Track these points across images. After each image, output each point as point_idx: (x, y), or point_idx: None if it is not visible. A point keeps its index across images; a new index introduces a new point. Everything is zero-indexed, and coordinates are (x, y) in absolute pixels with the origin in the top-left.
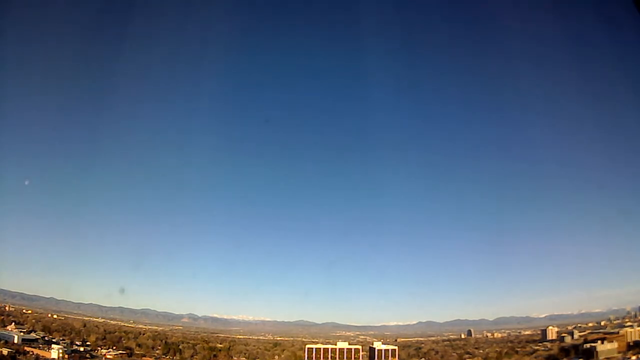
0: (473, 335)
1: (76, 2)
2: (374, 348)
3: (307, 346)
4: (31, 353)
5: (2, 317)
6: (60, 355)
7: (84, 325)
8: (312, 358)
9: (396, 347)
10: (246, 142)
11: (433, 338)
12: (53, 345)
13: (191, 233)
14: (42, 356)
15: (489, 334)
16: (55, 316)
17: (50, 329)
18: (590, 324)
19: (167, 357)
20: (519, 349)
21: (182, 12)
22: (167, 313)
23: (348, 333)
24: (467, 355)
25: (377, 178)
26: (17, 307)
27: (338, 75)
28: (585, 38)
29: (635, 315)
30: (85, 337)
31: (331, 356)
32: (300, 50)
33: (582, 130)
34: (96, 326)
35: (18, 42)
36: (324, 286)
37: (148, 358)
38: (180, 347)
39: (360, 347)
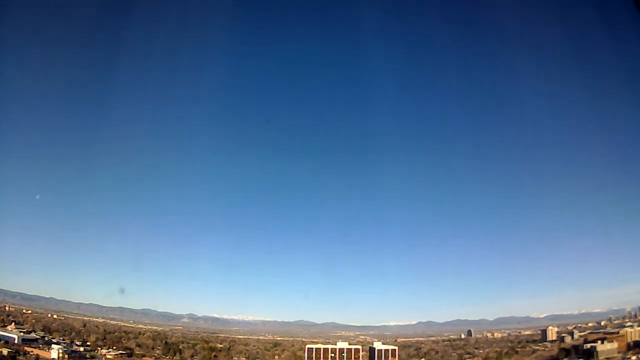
0: (473, 335)
1: (76, 4)
2: (374, 348)
3: (307, 346)
4: (31, 353)
5: (2, 317)
6: (60, 355)
7: (84, 325)
8: (312, 358)
9: (396, 347)
10: (246, 142)
11: (433, 338)
12: (53, 345)
13: (191, 233)
14: (42, 356)
15: (489, 334)
16: (55, 316)
17: (50, 329)
18: (590, 324)
19: (167, 357)
20: (519, 349)
21: (181, 13)
22: (167, 313)
23: (348, 333)
24: (467, 355)
25: (377, 178)
26: (17, 307)
27: (339, 76)
28: (585, 38)
29: (635, 315)
30: (85, 337)
31: (331, 356)
32: (301, 51)
33: (582, 130)
34: (96, 326)
35: (17, 44)
36: (324, 286)
37: (148, 358)
38: (180, 347)
39: (360, 347)
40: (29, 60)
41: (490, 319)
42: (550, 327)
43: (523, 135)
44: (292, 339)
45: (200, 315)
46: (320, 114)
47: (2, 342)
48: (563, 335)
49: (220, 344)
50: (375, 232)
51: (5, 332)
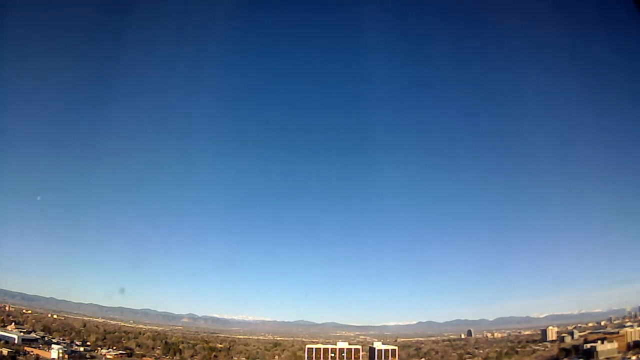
0: (473, 335)
1: (76, 4)
2: (374, 348)
3: (307, 346)
4: (31, 353)
5: (2, 317)
6: (60, 355)
7: (84, 325)
8: (312, 358)
9: (396, 347)
10: (247, 143)
11: (433, 338)
12: (53, 345)
13: (191, 233)
14: (42, 356)
15: (489, 334)
16: (55, 316)
17: (50, 329)
18: (590, 324)
19: (167, 357)
20: (519, 349)
21: (182, 15)
22: (167, 313)
23: (348, 333)
24: (467, 355)
25: (377, 178)
26: (17, 307)
27: (338, 77)
28: (585, 38)
29: (635, 315)
30: (85, 337)
31: (331, 356)
32: (301, 52)
33: (582, 130)
34: (96, 326)
35: (17, 44)
36: (324, 286)
37: (148, 358)
38: (180, 347)
39: (360, 347)
40: (29, 60)
41: (490, 319)
42: (550, 327)
43: (523, 135)
44: (292, 339)
45: (200, 315)
46: (320, 114)
47: (2, 342)
48: (563, 335)
49: (220, 344)
50: (375, 231)
51: (5, 332)
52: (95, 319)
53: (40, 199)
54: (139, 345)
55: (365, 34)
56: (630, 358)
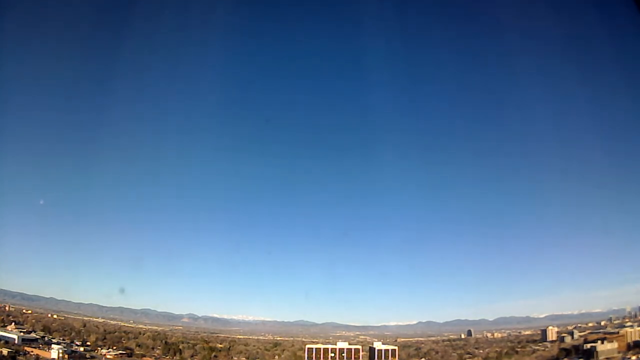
0: (473, 335)
1: (76, 2)
2: (374, 348)
3: (307, 346)
4: (31, 353)
5: (2, 317)
6: (60, 355)
7: (84, 325)
8: (312, 358)
9: (396, 347)
10: (246, 141)
11: (433, 338)
12: (53, 345)
13: (191, 233)
14: (42, 356)
15: (489, 334)
16: (55, 316)
17: (50, 329)
18: (590, 324)
19: (167, 357)
20: (519, 349)
21: (181, 12)
22: (167, 313)
23: (348, 333)
24: (467, 355)
25: (377, 178)
26: (17, 307)
27: (338, 75)
28: (585, 37)
29: (635, 315)
30: (85, 337)
31: (331, 356)
32: (301, 50)
33: (582, 130)
34: (96, 326)
35: (17, 43)
36: (324, 286)
37: (148, 358)
38: (180, 347)
39: (360, 347)
40: (29, 58)
41: (490, 319)
42: (550, 327)
43: (523, 134)
44: (292, 339)
45: (200, 315)
46: (321, 113)
47: (2, 342)
48: (563, 335)
49: (220, 344)
50: (375, 232)
51: (5, 332)
52: (95, 319)
53: (41, 199)
54: (139, 345)
55: (366, 31)
56: (630, 358)
